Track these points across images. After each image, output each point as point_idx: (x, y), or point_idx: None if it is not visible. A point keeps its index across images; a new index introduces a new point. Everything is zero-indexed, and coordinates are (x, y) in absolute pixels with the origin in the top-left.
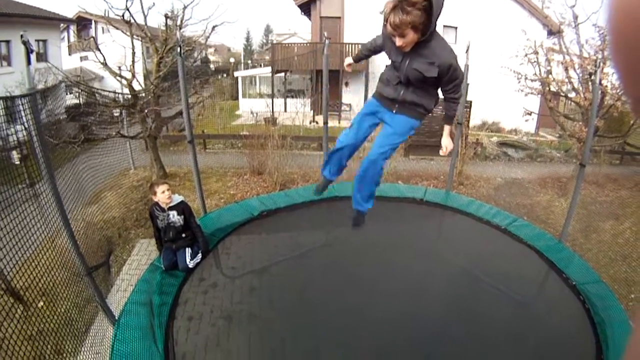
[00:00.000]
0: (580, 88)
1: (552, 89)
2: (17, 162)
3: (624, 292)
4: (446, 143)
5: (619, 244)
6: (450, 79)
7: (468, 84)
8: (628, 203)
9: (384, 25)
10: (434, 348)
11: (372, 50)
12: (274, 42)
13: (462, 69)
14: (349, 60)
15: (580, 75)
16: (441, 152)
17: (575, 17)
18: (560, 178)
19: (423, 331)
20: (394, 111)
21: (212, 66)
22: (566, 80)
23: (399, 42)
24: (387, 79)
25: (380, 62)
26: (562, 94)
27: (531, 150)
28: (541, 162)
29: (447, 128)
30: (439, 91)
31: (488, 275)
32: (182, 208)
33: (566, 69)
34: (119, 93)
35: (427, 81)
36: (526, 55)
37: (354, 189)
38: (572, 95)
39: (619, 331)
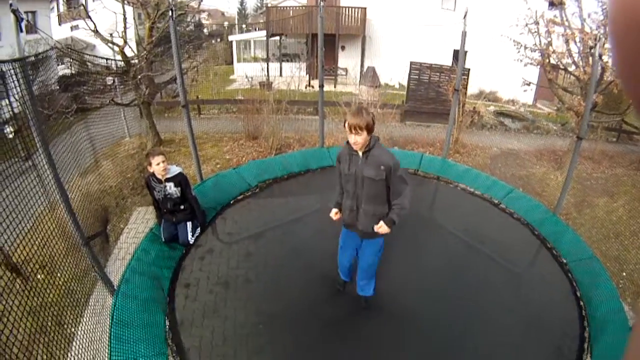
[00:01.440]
0: (581, 62)
1: (552, 61)
2: (11, 136)
3: (616, 270)
4: (382, 226)
5: (612, 222)
6: (394, 175)
7: (466, 52)
8: (623, 181)
9: (339, 157)
10: (426, 313)
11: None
12: (269, 5)
13: (460, 38)
14: (334, 210)
15: (581, 48)
16: (375, 227)
17: None
18: (556, 151)
19: (415, 296)
20: (360, 238)
21: (205, 31)
22: (566, 53)
23: (353, 139)
24: (345, 209)
25: (377, 26)
26: (561, 66)
27: (528, 122)
28: (538, 134)
29: (387, 222)
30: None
31: (482, 245)
32: (179, 180)
33: (567, 42)
34: (111, 59)
35: (378, 186)
36: (526, 25)
37: (358, 279)
38: (572, 68)
39: (608, 307)
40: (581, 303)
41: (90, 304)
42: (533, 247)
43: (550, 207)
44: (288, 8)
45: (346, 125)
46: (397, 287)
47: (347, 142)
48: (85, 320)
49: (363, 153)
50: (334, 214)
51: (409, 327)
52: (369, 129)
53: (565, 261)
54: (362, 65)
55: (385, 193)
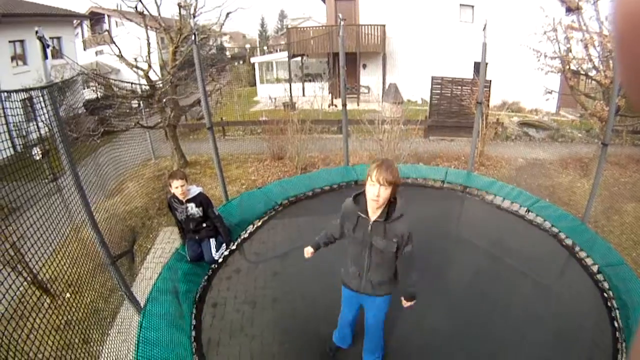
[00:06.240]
0: (601, 66)
1: (572, 67)
2: (39, 158)
3: None
4: (408, 304)
5: None
6: (406, 244)
7: (487, 63)
8: None
9: (343, 213)
10: (457, 329)
11: (328, 241)
12: (289, 26)
13: (480, 48)
14: (309, 250)
15: (601, 53)
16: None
17: None
18: (582, 159)
19: (445, 313)
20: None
21: (227, 53)
22: (586, 58)
23: (375, 195)
24: (350, 271)
25: (397, 43)
26: (582, 72)
27: (552, 130)
28: (562, 142)
29: (408, 298)
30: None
31: (511, 257)
32: (200, 200)
33: (586, 47)
34: (136, 84)
35: (386, 256)
36: (545, 32)
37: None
38: (593, 73)
39: None
40: (614, 311)
41: (116, 322)
42: (562, 256)
43: (578, 216)
44: (308, 29)
45: (372, 176)
46: (425, 302)
47: (354, 197)
48: (111, 338)
49: (374, 221)
50: (308, 252)
51: (438, 344)
52: (394, 186)
53: (596, 270)
54: (384, 83)
55: (394, 261)
